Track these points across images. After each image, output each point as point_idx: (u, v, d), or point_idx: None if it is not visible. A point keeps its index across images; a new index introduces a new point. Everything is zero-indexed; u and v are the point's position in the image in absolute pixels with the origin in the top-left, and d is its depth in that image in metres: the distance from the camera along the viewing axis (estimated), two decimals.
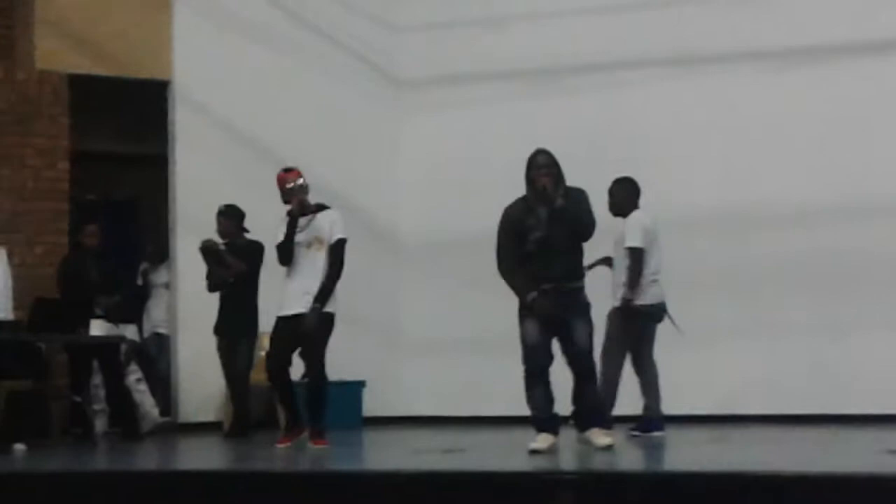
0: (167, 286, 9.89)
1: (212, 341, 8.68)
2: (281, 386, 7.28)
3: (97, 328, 8.31)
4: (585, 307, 6.38)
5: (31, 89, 9.23)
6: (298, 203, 7.19)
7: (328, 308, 7.17)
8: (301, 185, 7.29)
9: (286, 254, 7.19)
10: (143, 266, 10.26)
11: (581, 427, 6.51)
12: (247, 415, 8.46)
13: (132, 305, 9.59)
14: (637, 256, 7.29)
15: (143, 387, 9.04)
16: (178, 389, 9.51)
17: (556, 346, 6.50)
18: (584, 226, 6.31)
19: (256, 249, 8.32)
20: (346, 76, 10.08)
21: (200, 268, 8.72)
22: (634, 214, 7.41)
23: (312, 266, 7.15)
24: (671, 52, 9.53)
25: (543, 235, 6.20)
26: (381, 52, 10.14)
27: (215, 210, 8.69)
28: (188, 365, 9.39)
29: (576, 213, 6.28)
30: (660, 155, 9.27)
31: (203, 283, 8.62)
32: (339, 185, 9.15)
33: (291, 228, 7.20)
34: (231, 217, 8.43)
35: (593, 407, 6.46)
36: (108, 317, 8.47)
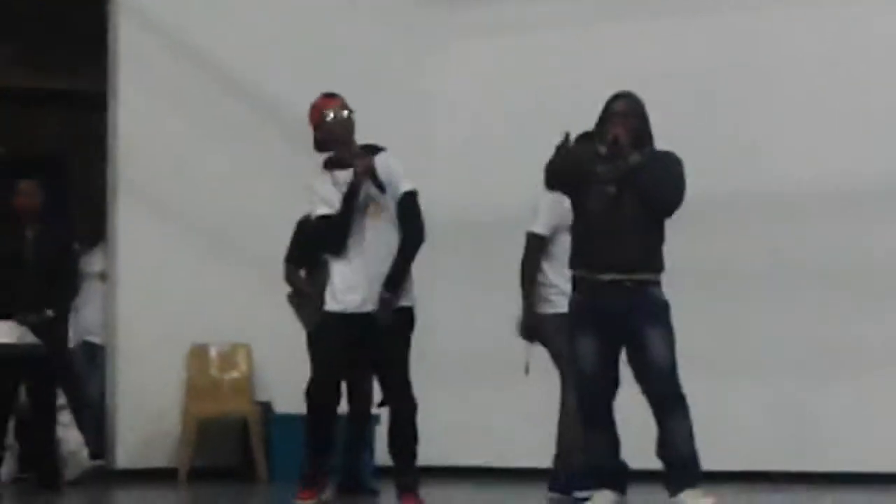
0: (102, 277, 9.67)
1: (166, 353, 8.76)
2: (327, 415, 6.76)
3: (4, 333, 8.13)
4: (663, 308, 6.22)
5: None
6: (364, 166, 6.62)
7: (405, 301, 6.79)
8: (349, 119, 6.80)
9: (342, 234, 6.67)
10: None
11: (671, 487, 6.15)
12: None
13: None
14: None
15: (66, 417, 8.82)
16: (115, 422, 9.26)
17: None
18: (663, 194, 6.17)
19: None
20: None
21: (149, 251, 8.87)
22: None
23: (375, 239, 6.72)
24: None
25: (615, 193, 6.12)
26: None
27: (172, 170, 8.79)
28: (131, 388, 9.17)
29: (656, 176, 6.13)
30: (792, 106, 9.02)
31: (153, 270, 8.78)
32: None
33: (353, 194, 6.66)
34: None
35: (686, 455, 6.13)
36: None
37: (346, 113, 6.80)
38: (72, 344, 9.67)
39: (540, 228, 7.24)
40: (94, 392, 9.58)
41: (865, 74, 8.99)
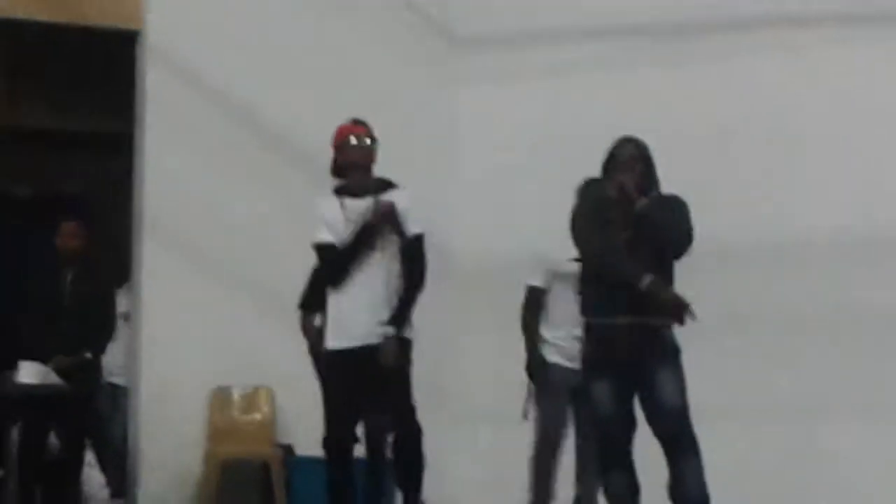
0: (126, 318, 9.63)
1: (188, 395, 8.82)
2: (345, 459, 6.71)
3: (28, 373, 8.09)
4: (674, 351, 6.28)
5: None
6: (385, 212, 6.61)
7: (405, 333, 6.76)
8: (371, 148, 6.81)
9: (345, 269, 6.64)
10: None
11: None
12: None
13: None
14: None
15: (87, 457, 8.84)
16: (137, 463, 9.19)
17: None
18: (672, 237, 6.21)
19: None
20: (383, 32, 9.81)
21: (173, 292, 8.90)
22: None
23: (378, 274, 6.68)
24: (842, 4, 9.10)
25: (630, 238, 6.17)
26: None
27: (197, 212, 8.85)
28: (152, 429, 9.11)
29: (663, 220, 6.20)
30: (816, 153, 9.04)
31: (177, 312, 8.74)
32: None
33: (366, 234, 6.64)
34: None
35: (698, 497, 6.15)
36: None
37: (369, 141, 6.79)
38: None
39: (536, 281, 7.35)
40: (117, 433, 9.62)
41: (888, 122, 8.97)
